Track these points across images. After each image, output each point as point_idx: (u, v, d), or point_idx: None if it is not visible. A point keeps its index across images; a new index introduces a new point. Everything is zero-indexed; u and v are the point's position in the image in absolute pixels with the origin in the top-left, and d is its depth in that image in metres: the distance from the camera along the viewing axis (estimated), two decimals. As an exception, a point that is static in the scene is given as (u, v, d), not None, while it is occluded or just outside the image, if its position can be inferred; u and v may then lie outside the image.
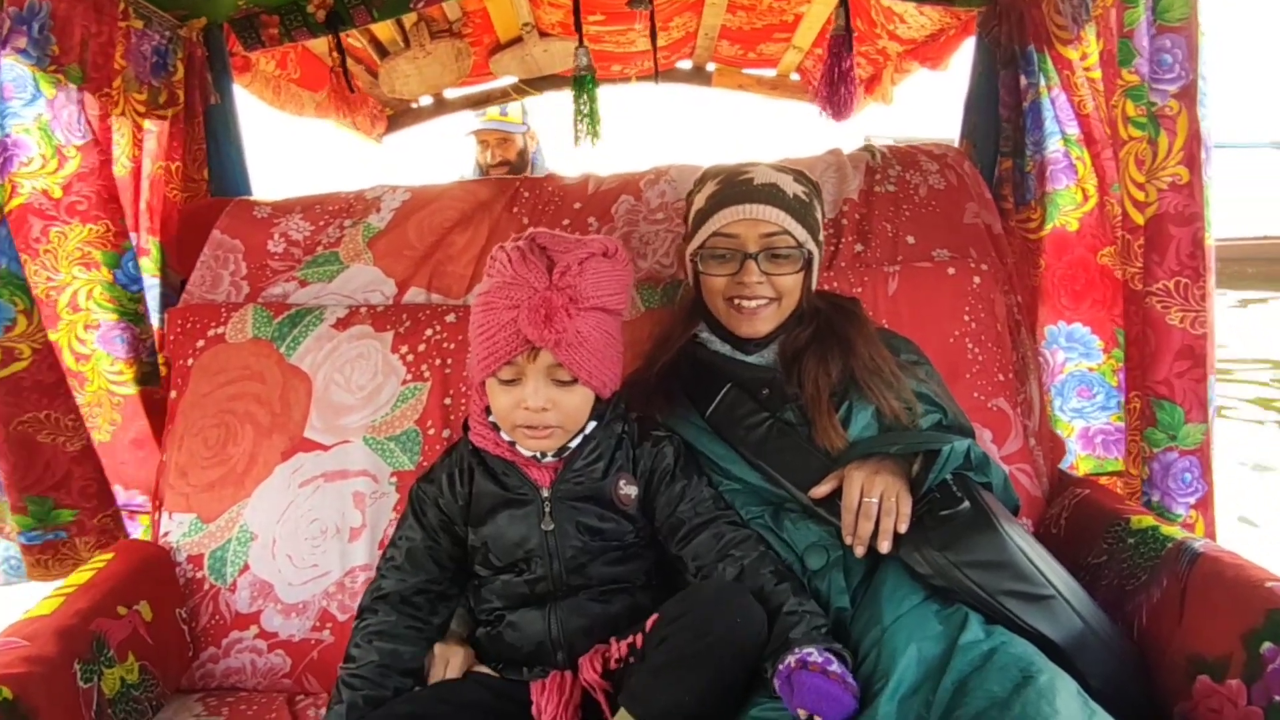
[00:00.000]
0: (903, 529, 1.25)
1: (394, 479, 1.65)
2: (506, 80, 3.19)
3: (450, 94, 3.33)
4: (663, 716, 1.13)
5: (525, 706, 1.27)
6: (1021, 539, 1.24)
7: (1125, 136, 1.51)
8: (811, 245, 1.44)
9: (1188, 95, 1.39)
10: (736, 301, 1.43)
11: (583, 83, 2.34)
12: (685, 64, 3.21)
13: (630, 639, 1.24)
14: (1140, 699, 1.24)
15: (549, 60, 2.76)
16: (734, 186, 1.44)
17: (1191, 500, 1.50)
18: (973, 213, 1.89)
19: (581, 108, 2.35)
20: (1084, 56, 1.70)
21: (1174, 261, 1.44)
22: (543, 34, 2.76)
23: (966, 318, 1.75)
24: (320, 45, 2.61)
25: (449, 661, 1.35)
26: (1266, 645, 1.11)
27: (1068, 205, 1.84)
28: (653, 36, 2.38)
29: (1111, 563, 1.44)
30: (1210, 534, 1.51)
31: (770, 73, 3.21)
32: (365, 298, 1.86)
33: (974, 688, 1.06)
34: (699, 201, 1.50)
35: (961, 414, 1.52)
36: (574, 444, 1.33)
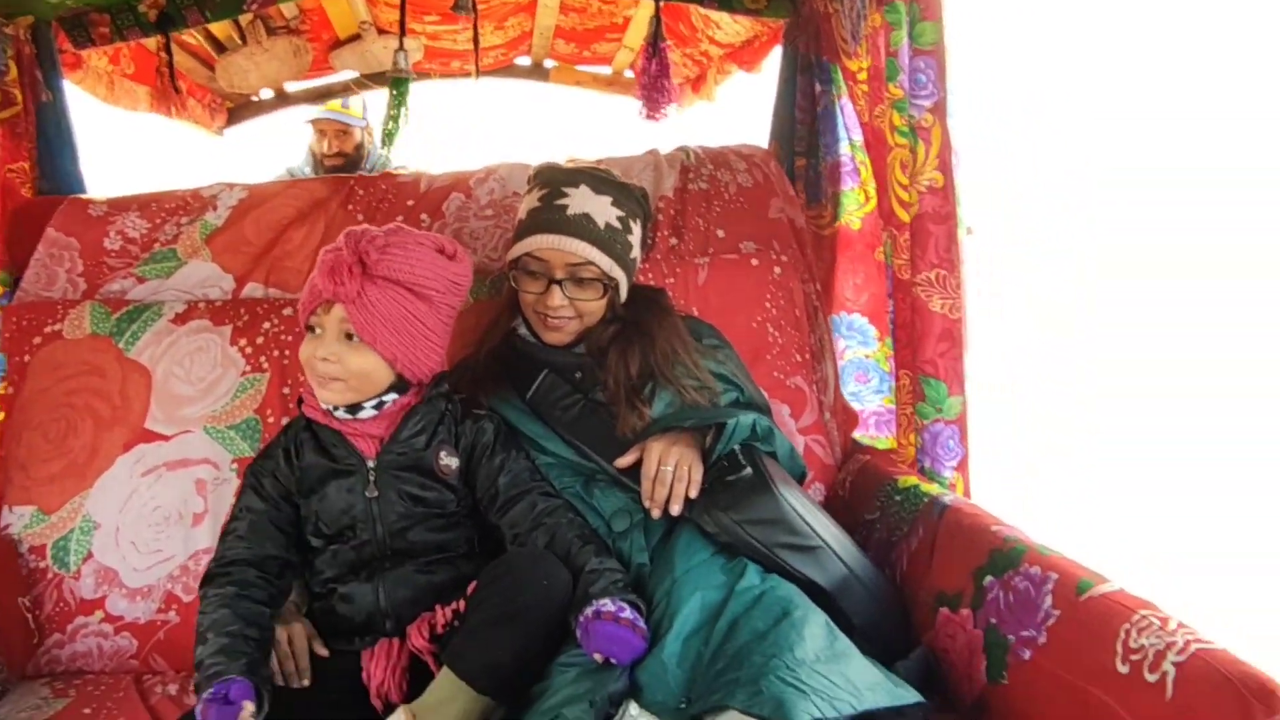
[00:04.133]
0: (694, 494, 1.43)
1: (235, 465, 1.73)
2: (348, 75, 3.24)
3: (292, 87, 3.34)
4: (481, 671, 1.25)
5: (355, 676, 1.37)
6: (795, 499, 1.43)
7: (892, 144, 1.71)
8: (618, 271, 1.57)
9: (939, 110, 1.60)
10: (542, 314, 1.57)
11: (398, 84, 2.43)
12: (524, 60, 3.32)
13: (455, 605, 1.36)
14: (896, 631, 1.45)
15: (389, 57, 2.83)
16: (550, 211, 1.57)
17: (954, 463, 1.72)
18: (777, 208, 2.08)
19: (393, 109, 2.43)
20: (860, 70, 1.90)
21: (934, 255, 1.65)
22: (381, 31, 2.83)
23: (768, 304, 1.94)
24: (154, 41, 2.61)
25: (291, 640, 1.42)
26: (988, 578, 1.33)
27: (852, 205, 2.04)
28: (475, 37, 2.48)
29: (883, 518, 1.66)
30: (967, 491, 1.74)
31: (606, 70, 3.35)
32: (204, 293, 1.92)
33: (743, 625, 1.24)
34: (522, 211, 1.62)
35: (759, 391, 1.71)
36: (369, 406, 1.44)
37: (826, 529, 1.44)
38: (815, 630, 1.21)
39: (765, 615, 1.25)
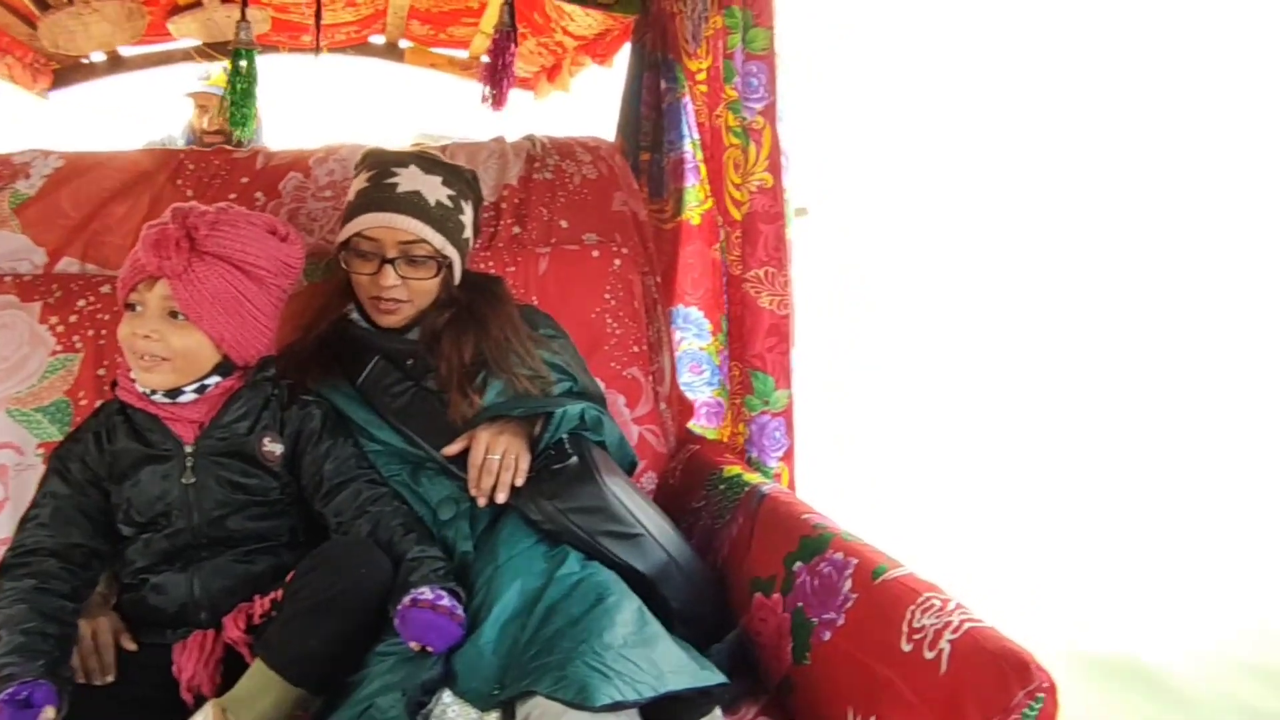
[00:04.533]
0: (519, 482, 1.44)
1: (40, 451, 1.64)
2: (189, 42, 3.10)
3: (127, 52, 3.18)
4: (294, 662, 1.23)
5: (166, 670, 1.33)
6: (618, 488, 1.46)
7: (727, 144, 1.76)
8: (450, 250, 1.56)
9: (770, 113, 1.66)
10: (375, 298, 1.55)
11: (240, 57, 2.34)
12: (378, 39, 3.25)
13: (273, 595, 1.33)
14: (714, 615, 1.50)
15: (233, 26, 2.72)
16: (380, 190, 1.54)
17: (780, 454, 1.79)
18: (620, 201, 2.11)
19: (239, 85, 2.34)
20: (700, 70, 1.95)
21: (763, 253, 1.71)
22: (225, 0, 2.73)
23: (607, 296, 1.97)
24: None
25: (95, 635, 1.36)
26: (797, 564, 1.39)
27: (692, 201, 2.09)
28: (318, 12, 2.42)
29: (708, 506, 1.71)
30: (792, 481, 1.81)
31: (463, 54, 3.32)
32: (11, 267, 1.79)
33: (558, 611, 1.26)
34: (351, 193, 1.59)
35: (593, 381, 1.73)
36: (190, 389, 1.39)
37: (649, 517, 1.48)
38: (626, 616, 1.24)
39: (580, 602, 1.27)
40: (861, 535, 1.38)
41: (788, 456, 1.80)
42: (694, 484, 1.79)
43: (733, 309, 1.85)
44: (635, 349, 1.97)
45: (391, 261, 1.52)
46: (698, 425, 2.07)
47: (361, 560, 1.32)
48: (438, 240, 1.54)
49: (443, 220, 1.55)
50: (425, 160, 1.60)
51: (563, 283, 1.95)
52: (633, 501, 1.47)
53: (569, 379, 1.65)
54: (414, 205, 1.53)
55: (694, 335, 2.11)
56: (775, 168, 1.67)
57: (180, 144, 3.34)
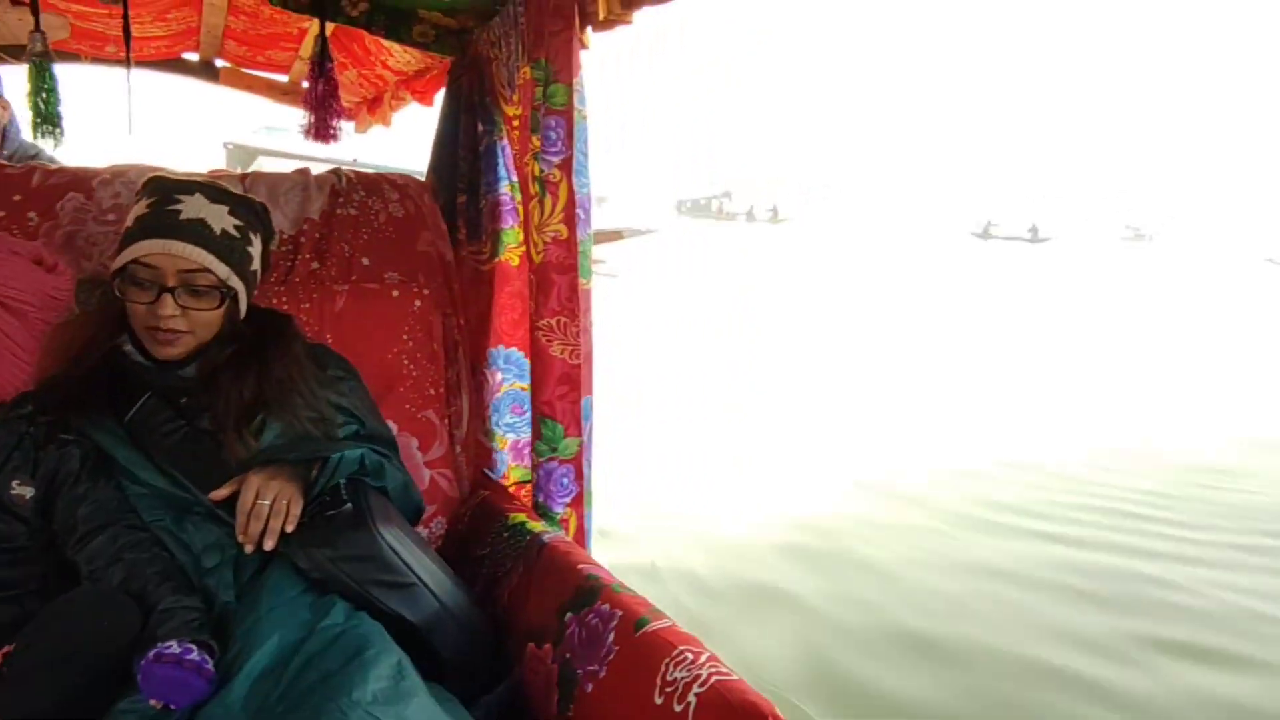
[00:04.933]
0: (289, 529, 1.39)
1: None
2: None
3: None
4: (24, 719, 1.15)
5: None
6: (392, 536, 1.44)
7: (532, 191, 1.78)
8: (236, 281, 1.50)
9: (566, 167, 1.69)
10: (152, 328, 1.47)
11: (38, 70, 2.22)
12: (192, 56, 3.14)
13: (5, 649, 1.23)
14: (489, 666, 1.49)
15: (25, 30, 2.57)
16: (161, 217, 1.47)
17: (568, 500, 1.80)
18: (426, 241, 2.10)
19: (39, 99, 2.22)
20: (515, 117, 1.97)
21: (555, 303, 1.73)
22: (16, 2, 2.57)
23: (405, 337, 1.95)
24: None
25: None
26: (568, 615, 1.40)
27: (511, 243, 2.09)
28: (125, 26, 2.31)
29: (492, 554, 1.70)
30: (581, 526, 1.83)
31: (283, 78, 3.23)
32: None
33: (315, 665, 1.23)
34: (130, 219, 1.51)
35: (383, 425, 1.70)
36: None
37: (424, 565, 1.46)
38: (382, 671, 1.22)
39: (339, 655, 1.24)
40: (632, 586, 1.40)
41: (576, 503, 1.81)
42: (481, 531, 1.79)
43: (531, 354, 1.86)
44: (432, 391, 1.96)
45: (171, 290, 1.44)
46: (520, 467, 2.07)
47: (104, 611, 1.25)
48: (222, 270, 1.48)
49: (228, 250, 1.49)
50: (212, 189, 1.54)
51: (360, 322, 1.92)
52: (407, 550, 1.45)
53: (355, 422, 1.62)
54: (197, 233, 1.47)
55: (515, 376, 2.11)
56: (570, 220, 1.70)
57: None
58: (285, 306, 1.87)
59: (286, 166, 2.40)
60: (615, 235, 23.85)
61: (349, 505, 1.43)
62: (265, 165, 12.31)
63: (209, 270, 1.46)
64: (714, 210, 70.69)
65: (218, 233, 1.49)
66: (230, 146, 12.20)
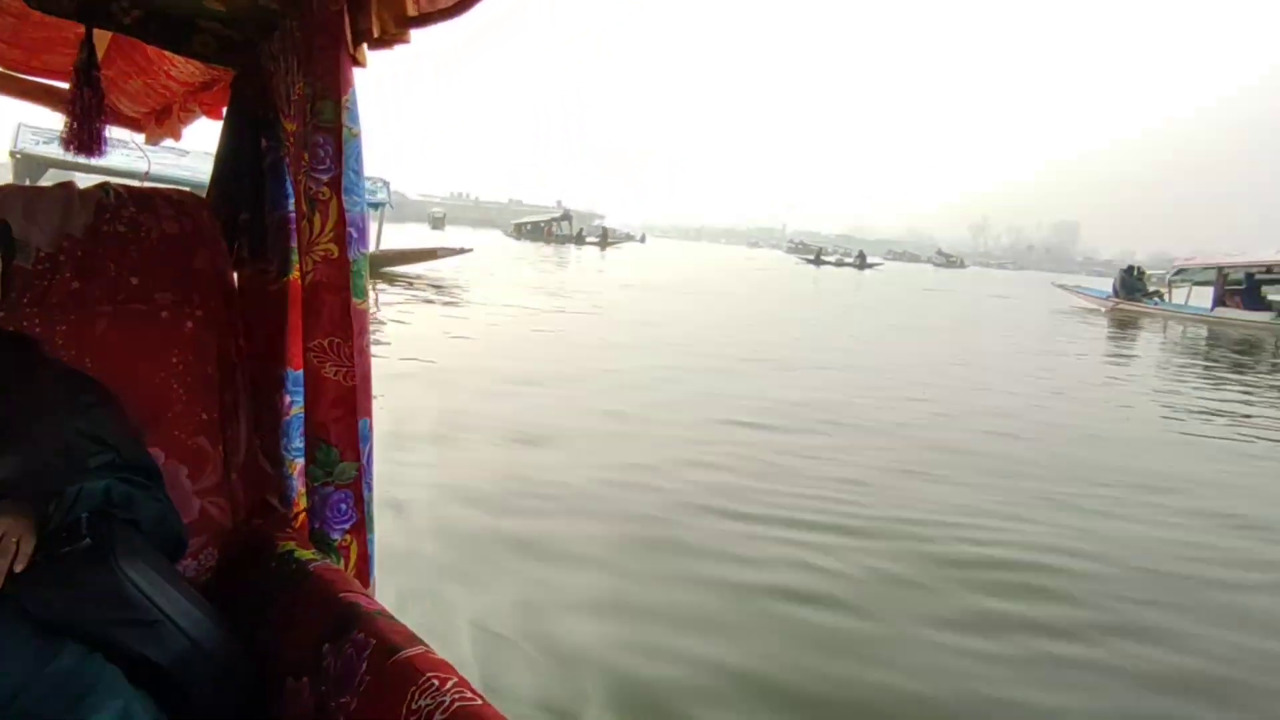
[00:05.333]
0: (19, 568, 1.30)
1: None
2: None
3: None
4: None
5: None
6: (137, 572, 1.36)
7: (304, 209, 1.73)
8: None
9: (335, 185, 1.65)
10: None
11: None
12: (-42, 58, 2.91)
13: None
14: (244, 704, 1.43)
15: None
16: None
17: (346, 527, 1.75)
18: (204, 259, 2.01)
19: None
20: (293, 133, 1.91)
21: (327, 323, 1.68)
22: None
23: (175, 360, 1.86)
24: None
25: None
26: (326, 646, 1.36)
27: (297, 261, 2.03)
28: None
29: (263, 584, 1.64)
30: (363, 553, 1.78)
31: (64, 85, 3.04)
32: None
33: (31, 714, 1.15)
34: None
35: (141, 453, 1.61)
36: None
37: (174, 602, 1.38)
38: (107, 715, 1.15)
39: (61, 701, 1.17)
40: (394, 614, 1.37)
41: (357, 530, 1.77)
42: (252, 561, 1.72)
43: (304, 375, 1.80)
44: (205, 416, 1.87)
45: None
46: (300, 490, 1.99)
47: None
48: None
49: None
50: None
51: (125, 345, 1.82)
52: (154, 586, 1.37)
53: (109, 451, 1.53)
54: None
55: (302, 399, 2.02)
56: (341, 239, 1.66)
57: None
58: (39, 329, 1.76)
59: (85, 181, 2.26)
60: (430, 254, 23.97)
61: (87, 540, 1.35)
62: (58, 178, 11.56)
63: None
64: (544, 233, 71.64)
65: None
66: (18, 156, 11.38)
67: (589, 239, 74.19)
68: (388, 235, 22.64)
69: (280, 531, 1.76)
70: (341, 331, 1.69)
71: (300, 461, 2.06)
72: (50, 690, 1.19)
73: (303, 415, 2.05)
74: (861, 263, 71.69)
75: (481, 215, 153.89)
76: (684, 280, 32.36)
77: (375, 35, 1.69)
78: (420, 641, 1.27)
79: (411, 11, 1.64)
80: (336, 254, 1.67)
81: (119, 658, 1.29)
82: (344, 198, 1.65)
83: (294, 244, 2.06)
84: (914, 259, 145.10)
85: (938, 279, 61.24)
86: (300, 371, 2.06)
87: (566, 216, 76.20)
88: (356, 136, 1.68)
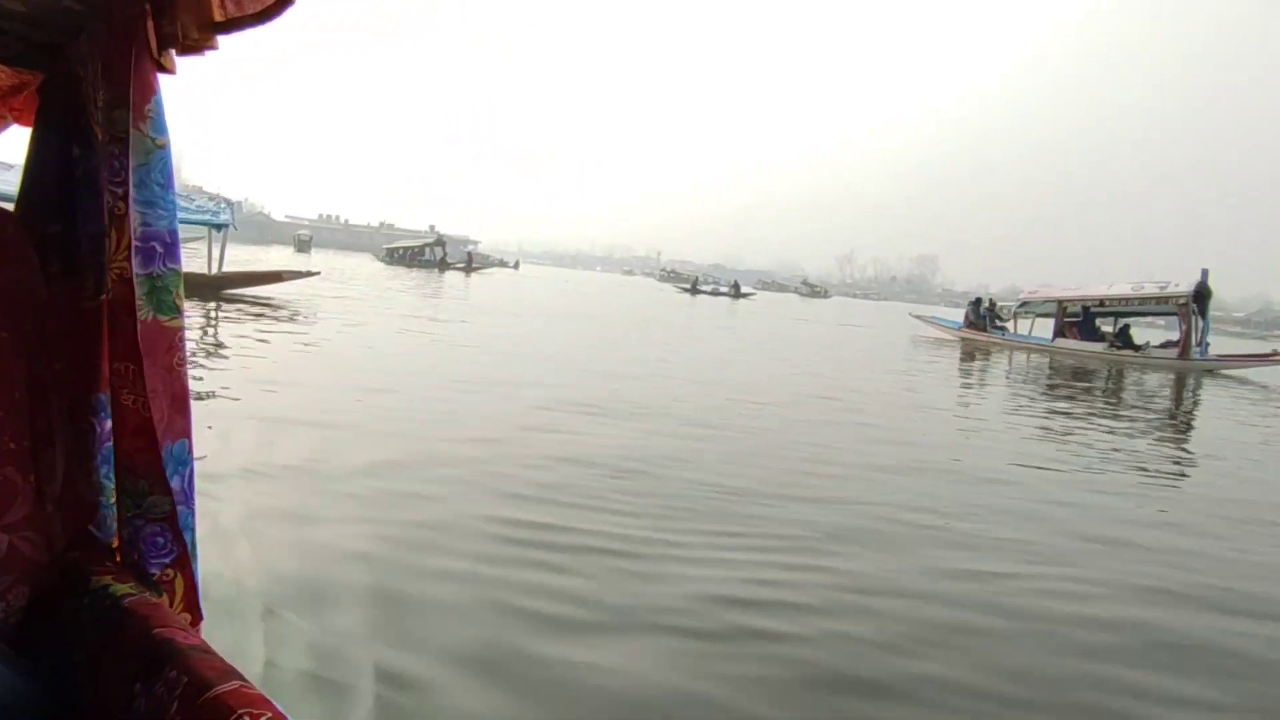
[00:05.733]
0: None
1: None
2: None
3: None
4: None
5: None
6: None
7: (104, 224, 1.64)
8: None
9: (129, 198, 1.57)
10: None
11: None
12: None
13: None
14: None
15: None
16: None
17: (166, 561, 1.66)
18: (8, 275, 1.88)
19: None
20: (101, 142, 1.81)
21: (122, 347, 1.60)
22: None
23: (-25, 384, 1.74)
24: None
25: None
26: (138, 685, 1.29)
27: (116, 278, 1.93)
28: None
29: (75, 623, 1.54)
30: (190, 584, 1.69)
31: None
32: None
33: None
34: None
35: None
36: None
37: None
38: None
39: None
40: (209, 647, 1.31)
41: (180, 564, 1.68)
42: (67, 599, 1.62)
43: (111, 402, 1.70)
44: (13, 445, 1.75)
45: None
46: None
47: None
48: None
49: None
50: None
51: (-87, 370, 1.69)
52: None
53: None
54: None
55: None
56: (132, 258, 1.58)
57: None
58: None
59: None
60: (275, 277, 23.47)
61: None
62: None
63: None
64: (408, 259, 71.26)
65: None
66: None
67: (456, 264, 73.73)
68: (250, 257, 21.95)
69: (99, 565, 1.66)
70: (134, 356, 1.60)
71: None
72: None
73: None
74: (736, 292, 73.92)
75: (351, 239, 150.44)
76: (551, 307, 32.63)
77: (181, 40, 1.61)
78: (237, 676, 1.22)
79: (218, 16, 1.57)
80: (129, 273, 1.59)
81: None
82: (143, 211, 1.57)
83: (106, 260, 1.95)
84: (782, 289, 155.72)
85: (804, 309, 63.82)
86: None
87: (440, 242, 75.38)
88: (162, 147, 1.60)
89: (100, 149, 1.77)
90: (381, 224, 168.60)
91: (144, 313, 1.59)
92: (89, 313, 1.99)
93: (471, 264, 76.29)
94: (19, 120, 2.46)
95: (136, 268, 1.57)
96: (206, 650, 1.30)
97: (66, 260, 2.04)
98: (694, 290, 76.54)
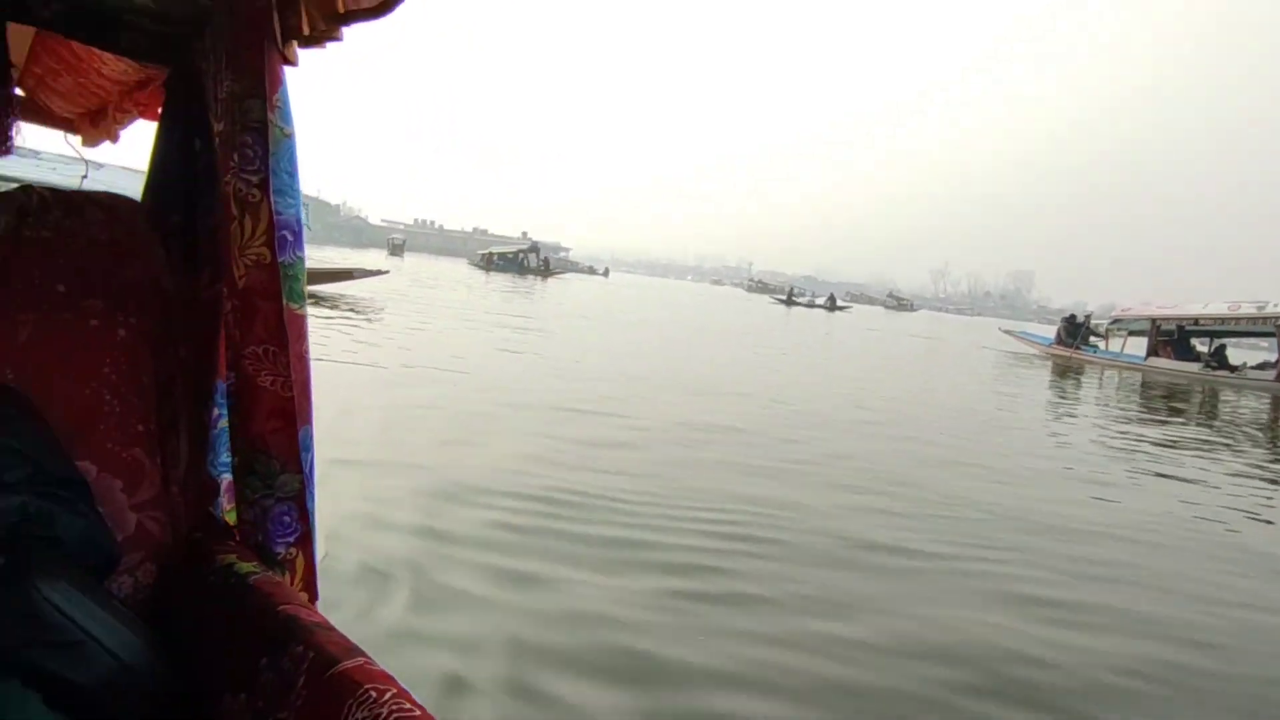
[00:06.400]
0: None
1: None
2: None
3: None
4: None
5: None
6: (58, 591, 1.31)
7: (233, 212, 1.68)
8: None
9: (265, 187, 1.60)
10: None
11: None
12: None
13: None
14: None
15: None
16: None
17: (291, 540, 1.70)
18: (138, 267, 1.94)
19: None
20: (219, 134, 1.86)
21: (261, 330, 1.64)
22: None
23: (107, 370, 1.80)
24: None
25: None
26: (264, 660, 1.32)
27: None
28: None
29: (202, 599, 1.59)
30: (310, 565, 1.73)
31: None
32: None
33: None
34: None
35: (67, 466, 1.56)
36: None
37: (100, 621, 1.34)
38: None
39: None
40: (336, 624, 1.34)
41: (302, 542, 1.72)
42: (193, 575, 1.66)
43: (237, 385, 1.75)
44: (140, 428, 1.81)
45: None
46: (232, 508, 1.94)
47: None
48: None
49: None
50: None
51: (49, 354, 1.75)
52: (77, 605, 1.32)
53: (26, 465, 1.47)
54: None
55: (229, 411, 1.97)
56: (272, 243, 1.61)
57: None
58: (-41, 338, 1.69)
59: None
60: (346, 274, 24.26)
61: (2, 560, 1.30)
62: None
63: None
64: (503, 265, 74.95)
65: None
66: None
67: (555, 270, 78.55)
68: (342, 259, 22.78)
69: (222, 544, 1.70)
70: (277, 339, 1.64)
71: (226, 477, 2.00)
72: None
73: (228, 428, 2.00)
74: (832, 304, 74.63)
75: (445, 244, 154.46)
76: (673, 320, 32.83)
77: (306, 32, 1.65)
78: (361, 653, 1.24)
79: (340, 8, 1.59)
80: (268, 259, 1.62)
81: (38, 681, 1.24)
82: (275, 199, 1.61)
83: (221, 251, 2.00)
84: (871, 301, 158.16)
85: (889, 323, 63.10)
86: (226, 383, 2.01)
87: (534, 248, 78.70)
88: (289, 136, 1.64)
89: (225, 139, 1.82)
90: (475, 229, 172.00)
91: (277, 300, 1.62)
92: (206, 302, 2.05)
93: (549, 269, 78.33)
94: (144, 114, 2.55)
95: (271, 256, 1.60)
96: (329, 627, 1.32)
97: (187, 250, 2.10)
98: (789, 302, 77.17)
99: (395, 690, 1.13)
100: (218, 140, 1.86)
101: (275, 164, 1.60)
